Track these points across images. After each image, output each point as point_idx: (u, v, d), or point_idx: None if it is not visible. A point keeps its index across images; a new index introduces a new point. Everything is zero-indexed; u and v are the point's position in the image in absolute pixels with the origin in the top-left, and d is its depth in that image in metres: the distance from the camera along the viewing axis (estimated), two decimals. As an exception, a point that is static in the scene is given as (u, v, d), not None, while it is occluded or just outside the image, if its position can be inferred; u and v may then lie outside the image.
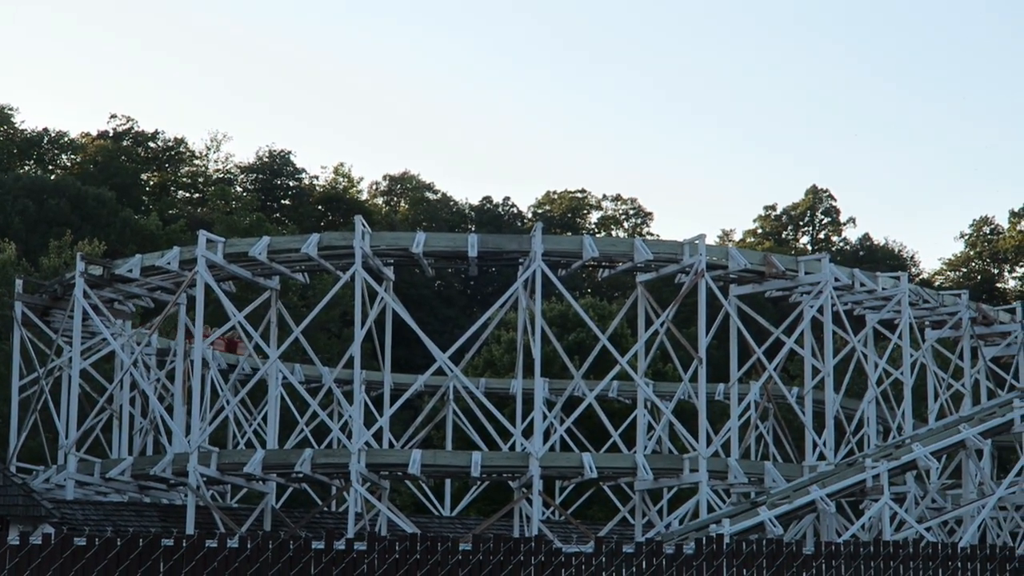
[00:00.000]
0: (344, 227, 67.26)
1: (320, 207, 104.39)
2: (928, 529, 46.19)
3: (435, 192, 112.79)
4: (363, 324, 46.46)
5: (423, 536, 14.97)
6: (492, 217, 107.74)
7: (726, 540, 15.33)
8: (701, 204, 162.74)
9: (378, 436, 50.14)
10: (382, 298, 48.18)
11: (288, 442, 55.68)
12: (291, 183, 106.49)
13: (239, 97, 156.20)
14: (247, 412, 55.72)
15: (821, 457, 49.58)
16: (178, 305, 49.22)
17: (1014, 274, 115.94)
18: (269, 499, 47.57)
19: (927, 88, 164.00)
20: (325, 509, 51.72)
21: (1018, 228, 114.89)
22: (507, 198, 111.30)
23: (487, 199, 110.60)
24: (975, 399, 57.05)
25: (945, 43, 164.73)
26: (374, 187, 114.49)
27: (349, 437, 47.00)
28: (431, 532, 38.99)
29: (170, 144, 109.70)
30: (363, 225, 45.98)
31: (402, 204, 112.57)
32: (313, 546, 14.82)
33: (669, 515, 52.64)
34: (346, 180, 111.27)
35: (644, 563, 15.05)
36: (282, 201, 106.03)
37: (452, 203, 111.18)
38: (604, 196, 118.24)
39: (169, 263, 46.90)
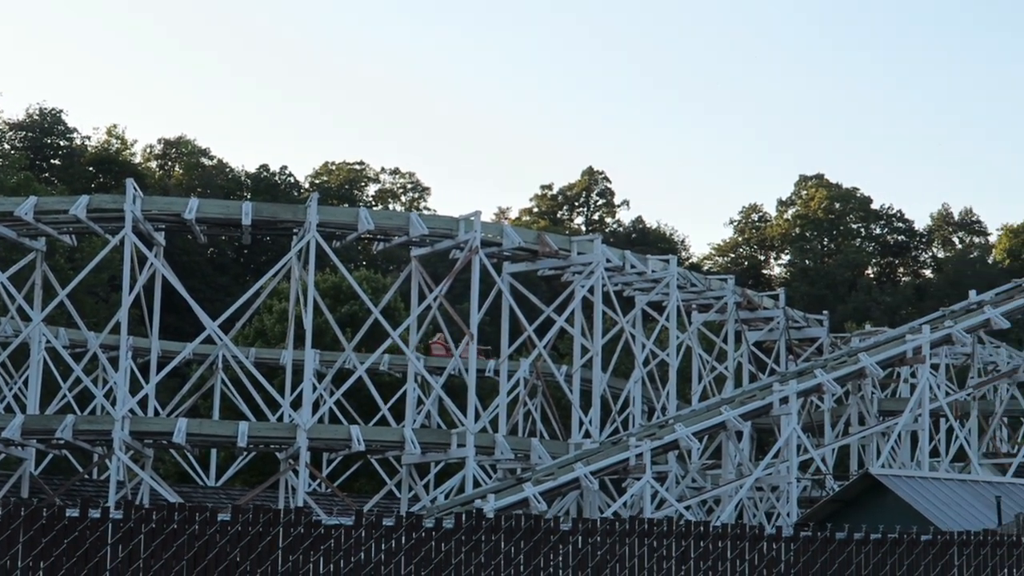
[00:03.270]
0: (116, 190, 65.77)
1: (91, 168, 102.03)
2: (688, 508, 47.26)
3: (211, 158, 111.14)
4: (131, 289, 45.64)
5: (181, 506, 14.78)
6: (269, 186, 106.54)
7: (486, 515, 15.44)
8: (479, 181, 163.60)
9: (144, 404, 49.34)
10: (152, 263, 47.39)
11: (50, 407, 54.42)
12: (62, 143, 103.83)
13: (7, 51, 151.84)
14: (7, 376, 54.28)
15: (587, 435, 50.34)
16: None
17: (780, 261, 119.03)
18: (28, 465, 46.49)
19: (701, 76, 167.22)
20: (86, 477, 50.74)
21: (785, 217, 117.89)
22: (284, 167, 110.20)
23: (264, 167, 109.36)
24: (737, 382, 58.48)
25: (721, 30, 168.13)
26: (148, 150, 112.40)
27: (113, 404, 46.16)
28: (194, 502, 38.52)
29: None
30: (134, 188, 45.17)
31: (177, 169, 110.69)
32: (68, 514, 14.50)
33: (436, 489, 52.93)
34: (119, 142, 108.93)
35: (404, 537, 15.09)
36: (52, 161, 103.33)
37: (228, 170, 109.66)
38: (382, 169, 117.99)
39: (-71, 220, 45.47)
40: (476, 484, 46.63)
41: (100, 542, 14.39)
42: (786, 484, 47.16)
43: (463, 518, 15.25)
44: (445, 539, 15.09)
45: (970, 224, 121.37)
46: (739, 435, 49.02)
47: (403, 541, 15.00)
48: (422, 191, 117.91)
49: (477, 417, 47.80)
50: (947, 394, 53.51)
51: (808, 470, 53.65)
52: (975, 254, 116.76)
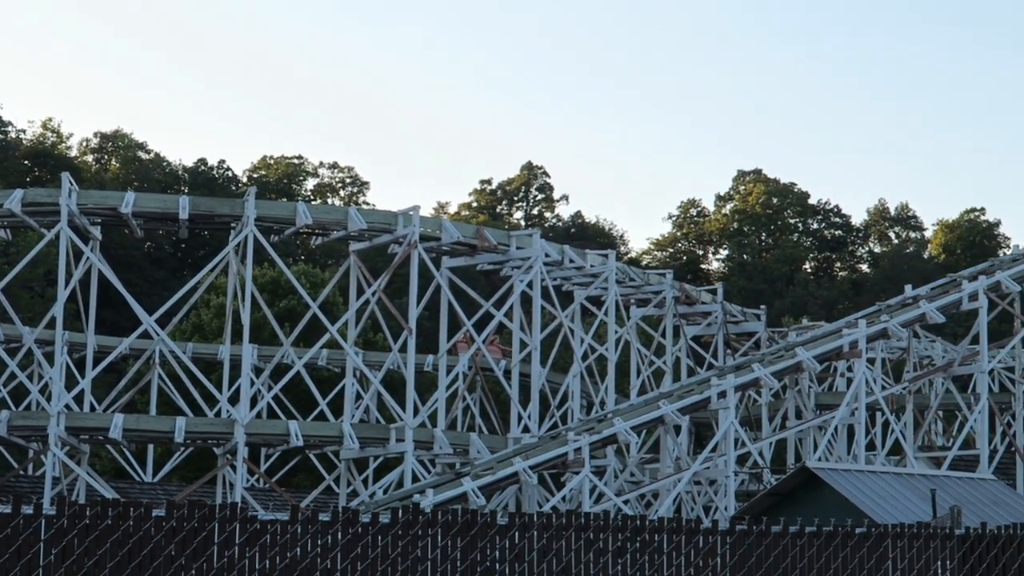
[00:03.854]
0: (52, 184, 65.14)
1: (26, 162, 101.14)
2: (626, 502, 47.38)
3: (148, 152, 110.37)
4: (67, 284, 45.27)
5: (115, 502, 14.66)
6: (206, 180, 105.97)
7: (422, 510, 15.42)
8: (418, 176, 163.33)
9: (79, 399, 48.97)
10: (88, 258, 47.04)
11: (-16, 403, 53.90)
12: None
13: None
14: (-59, 371, 53.76)
15: (526, 430, 50.40)
16: None
17: (718, 256, 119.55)
18: (-40, 461, 46.07)
19: (640, 71, 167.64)
20: (21, 473, 50.30)
21: (723, 211, 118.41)
22: (222, 161, 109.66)
23: (202, 161, 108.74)
24: (675, 376, 58.67)
25: (660, 26, 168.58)
26: (84, 144, 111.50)
27: (49, 399, 45.80)
28: (131, 498, 38.29)
29: None
30: (70, 182, 44.83)
31: (113, 163, 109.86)
32: (0, 511, 14.36)
33: (374, 484, 52.84)
34: (55, 135, 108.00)
35: (340, 532, 15.04)
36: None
37: (165, 164, 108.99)
38: (321, 163, 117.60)
39: None
40: (415, 479, 46.57)
41: (33, 539, 14.26)
42: (724, 478, 47.36)
43: (399, 513, 15.23)
44: (382, 534, 15.05)
45: (906, 219, 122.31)
46: (677, 429, 49.16)
47: (339, 536, 14.95)
48: (361, 186, 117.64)
49: (416, 412, 47.74)
50: (883, 388, 53.86)
51: (746, 464, 53.89)
52: (911, 249, 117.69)
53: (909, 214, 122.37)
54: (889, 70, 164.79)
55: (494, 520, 15.67)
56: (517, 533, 15.72)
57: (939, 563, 18.49)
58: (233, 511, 14.65)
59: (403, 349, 49.29)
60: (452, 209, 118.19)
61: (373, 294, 48.72)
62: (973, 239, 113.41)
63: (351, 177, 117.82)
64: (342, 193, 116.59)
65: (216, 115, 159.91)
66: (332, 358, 59.46)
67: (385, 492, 49.05)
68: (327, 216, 48.34)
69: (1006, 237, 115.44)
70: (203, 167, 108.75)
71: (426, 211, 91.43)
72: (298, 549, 14.88)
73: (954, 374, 54.96)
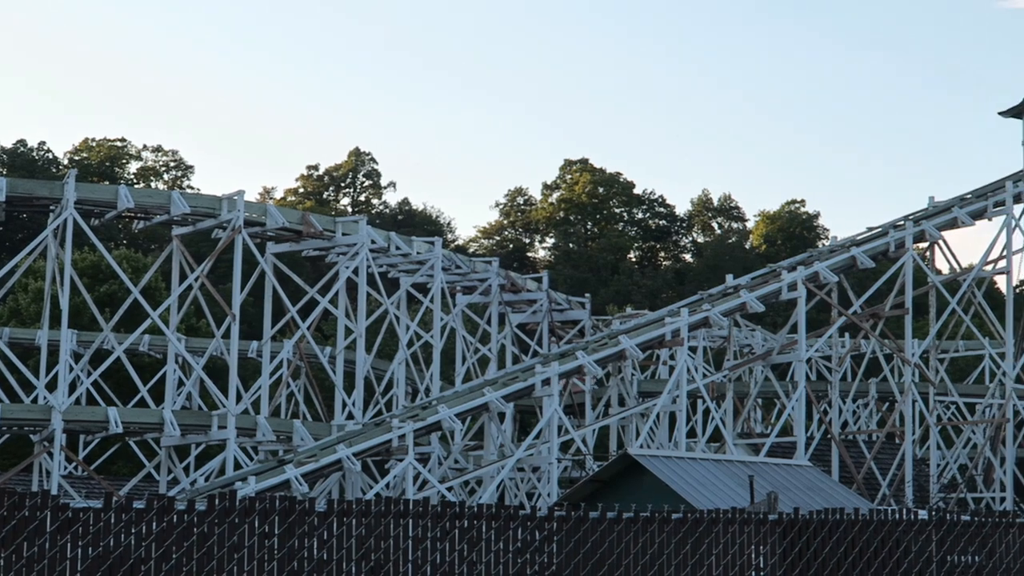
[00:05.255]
0: None
1: None
2: (450, 489, 47.49)
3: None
4: None
5: (-79, 490, 14.26)
6: (26, 162, 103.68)
7: (239, 497, 15.26)
8: (244, 161, 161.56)
9: None
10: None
11: None
12: None
13: None
14: None
15: (350, 417, 50.28)
16: None
17: (544, 244, 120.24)
18: None
19: (469, 59, 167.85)
20: None
21: (550, 200, 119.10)
22: (43, 143, 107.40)
23: (21, 142, 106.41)
24: (500, 363, 58.93)
25: (489, 14, 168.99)
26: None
27: None
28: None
29: None
30: None
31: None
32: None
33: (195, 472, 52.26)
34: None
35: (155, 520, 14.81)
36: None
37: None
38: (144, 147, 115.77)
39: None
40: (237, 466, 46.18)
41: None
42: (547, 465, 47.69)
43: (216, 500, 15.05)
44: (198, 522, 14.87)
45: (729, 210, 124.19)
46: (501, 416, 49.41)
47: (154, 525, 14.73)
48: (185, 169, 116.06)
49: (239, 399, 47.34)
50: (704, 376, 54.67)
51: (569, 451, 54.34)
52: (733, 239, 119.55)
53: (732, 205, 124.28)
54: (713, 63, 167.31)
55: (312, 507, 15.57)
56: (335, 520, 15.65)
57: (754, 547, 18.79)
58: (44, 499, 14.35)
59: (226, 335, 48.82)
60: (278, 195, 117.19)
61: (196, 279, 48.16)
62: (793, 230, 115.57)
63: (175, 161, 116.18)
64: (166, 177, 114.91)
65: (37, 96, 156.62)
66: (154, 344, 58.61)
67: (207, 480, 48.55)
68: (150, 200, 47.69)
69: (825, 228, 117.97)
70: (22, 148, 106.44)
71: (251, 196, 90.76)
72: (112, 538, 14.62)
73: (773, 362, 55.96)
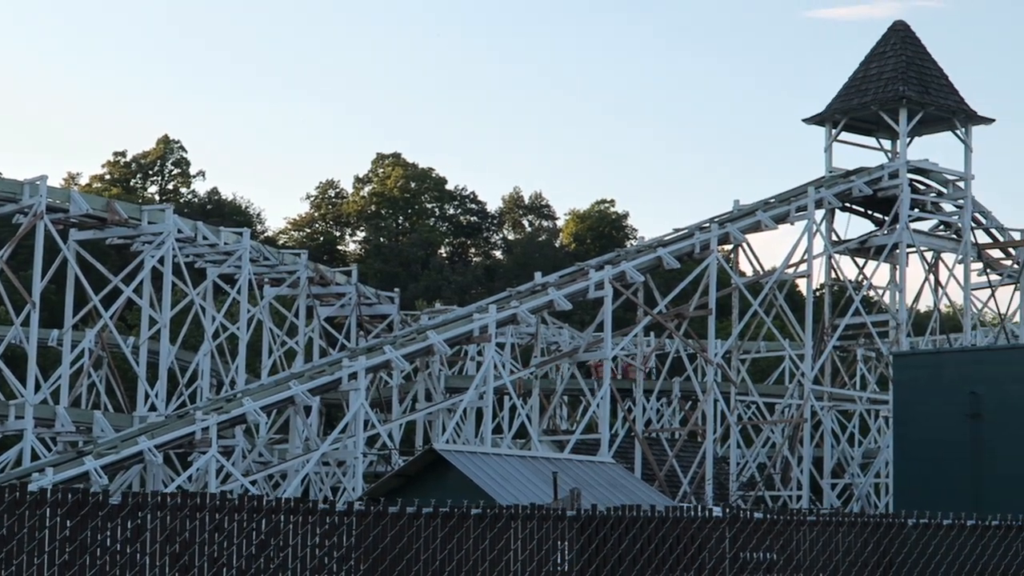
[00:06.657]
0: None
1: None
2: (254, 482, 47.11)
3: None
4: None
5: None
6: None
7: (29, 489, 14.94)
8: (48, 145, 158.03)
9: None
10: None
11: None
12: None
13: None
14: None
15: (153, 408, 49.62)
16: None
17: (355, 238, 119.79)
18: None
19: (280, 50, 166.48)
20: None
21: (361, 194, 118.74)
22: None
23: None
24: (307, 357, 58.61)
25: (295, 4, 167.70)
26: None
27: None
28: None
29: None
30: None
31: None
32: None
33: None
34: None
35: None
36: None
37: None
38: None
39: None
40: (35, 457, 45.25)
41: None
42: (352, 459, 47.59)
43: (5, 492, 14.72)
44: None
45: (540, 208, 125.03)
46: (307, 410, 49.14)
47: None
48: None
49: (37, 388, 46.40)
50: (511, 372, 55.00)
51: (375, 445, 54.26)
52: (543, 237, 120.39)
53: (543, 203, 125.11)
54: (528, 60, 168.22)
55: (106, 500, 15.33)
56: (130, 512, 15.42)
57: (553, 543, 18.98)
58: None
59: (26, 323, 47.80)
60: (84, 181, 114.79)
61: (-6, 266, 47.06)
62: (602, 230, 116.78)
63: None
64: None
65: None
66: (-51, 332, 57.09)
67: (2, 471, 47.48)
68: (-54, 183, 46.48)
69: (633, 228, 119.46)
70: None
71: (55, 181, 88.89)
72: None
73: (579, 360, 56.51)
